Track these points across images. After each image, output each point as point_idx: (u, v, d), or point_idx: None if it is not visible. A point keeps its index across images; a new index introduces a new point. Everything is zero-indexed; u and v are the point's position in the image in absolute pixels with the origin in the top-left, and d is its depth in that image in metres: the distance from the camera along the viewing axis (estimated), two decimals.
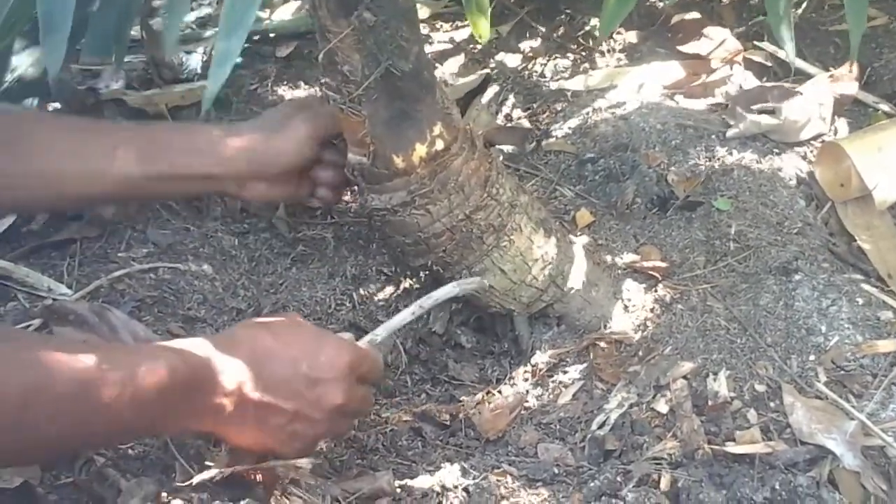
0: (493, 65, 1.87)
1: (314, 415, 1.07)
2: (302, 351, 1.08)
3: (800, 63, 1.75)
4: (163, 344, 1.05)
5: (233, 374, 1.02)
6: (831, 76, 1.69)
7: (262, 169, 1.33)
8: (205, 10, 2.10)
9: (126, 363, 0.94)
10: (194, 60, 1.83)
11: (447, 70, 1.86)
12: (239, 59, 1.79)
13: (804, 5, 1.84)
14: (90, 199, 1.33)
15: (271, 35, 1.95)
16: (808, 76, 1.71)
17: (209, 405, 1.00)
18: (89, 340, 1.13)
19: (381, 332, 1.22)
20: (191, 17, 2.06)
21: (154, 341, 1.21)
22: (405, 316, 1.25)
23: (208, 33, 1.94)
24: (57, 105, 1.68)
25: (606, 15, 1.57)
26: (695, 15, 1.88)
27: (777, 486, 1.11)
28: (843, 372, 1.27)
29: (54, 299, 1.29)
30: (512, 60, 1.88)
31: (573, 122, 1.68)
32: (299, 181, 1.39)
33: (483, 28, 1.75)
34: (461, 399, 1.37)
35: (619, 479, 1.17)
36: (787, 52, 1.50)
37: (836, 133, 1.62)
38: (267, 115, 1.39)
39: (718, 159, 1.56)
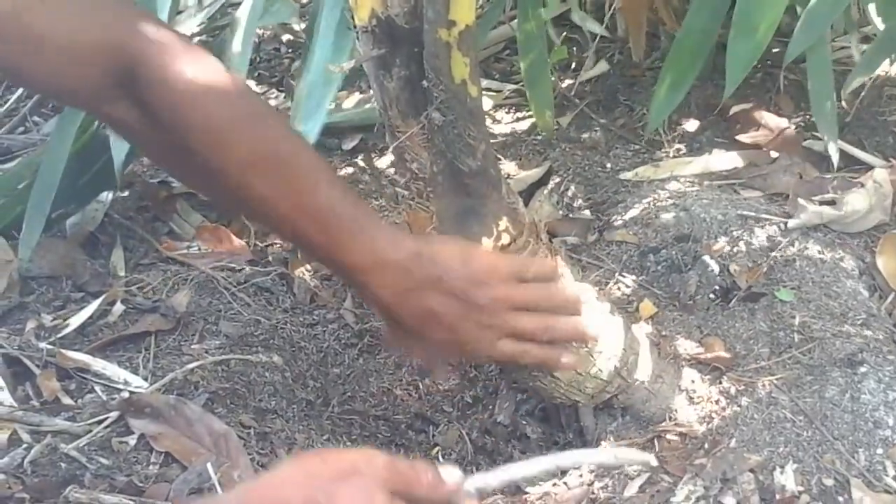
0: (553, 156, 1.90)
1: None
2: None
3: (859, 153, 1.76)
4: None
5: None
6: (891, 166, 1.70)
7: None
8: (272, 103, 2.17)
9: None
10: None
11: (509, 161, 1.90)
12: None
13: (862, 95, 1.86)
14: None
15: (338, 126, 2.00)
16: (868, 166, 1.72)
17: None
18: None
19: (494, 481, 1.00)
20: None
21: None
22: (532, 470, 1.02)
23: None
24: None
25: (656, 106, 1.60)
26: (753, 105, 1.90)
27: None
28: None
29: (130, 392, 1.32)
30: (573, 151, 1.91)
31: (634, 213, 1.70)
32: None
33: (547, 120, 1.79)
34: (527, 490, 1.38)
35: None
36: (830, 150, 1.54)
37: None
38: None
39: (780, 250, 1.56)
